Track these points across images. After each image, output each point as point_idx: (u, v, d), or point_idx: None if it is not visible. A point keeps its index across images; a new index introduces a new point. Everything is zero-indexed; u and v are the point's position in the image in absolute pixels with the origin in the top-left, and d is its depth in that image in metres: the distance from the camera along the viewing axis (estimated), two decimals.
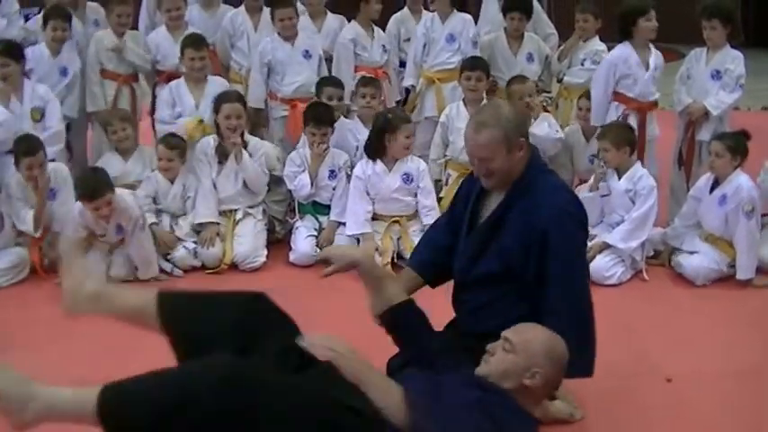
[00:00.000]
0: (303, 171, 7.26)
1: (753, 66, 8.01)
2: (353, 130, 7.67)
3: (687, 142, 7.73)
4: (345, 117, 7.85)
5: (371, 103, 7.65)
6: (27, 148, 6.66)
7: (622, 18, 7.51)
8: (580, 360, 4.31)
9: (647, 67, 7.48)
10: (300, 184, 7.22)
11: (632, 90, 7.49)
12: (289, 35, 8.01)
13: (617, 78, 7.51)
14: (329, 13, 8.67)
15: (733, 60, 7.58)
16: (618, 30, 7.55)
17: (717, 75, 7.58)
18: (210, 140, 7.22)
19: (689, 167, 7.75)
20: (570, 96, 8.47)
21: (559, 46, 8.77)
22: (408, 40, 8.67)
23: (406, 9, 8.86)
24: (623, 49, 7.53)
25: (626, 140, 6.99)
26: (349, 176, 7.39)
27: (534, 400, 4.07)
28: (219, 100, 7.17)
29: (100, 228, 6.62)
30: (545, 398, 4.29)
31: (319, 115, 7.33)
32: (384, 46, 8.49)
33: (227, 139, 7.07)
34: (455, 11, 8.37)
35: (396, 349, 4.91)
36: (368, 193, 7.11)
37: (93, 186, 6.49)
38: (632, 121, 7.42)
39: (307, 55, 8.09)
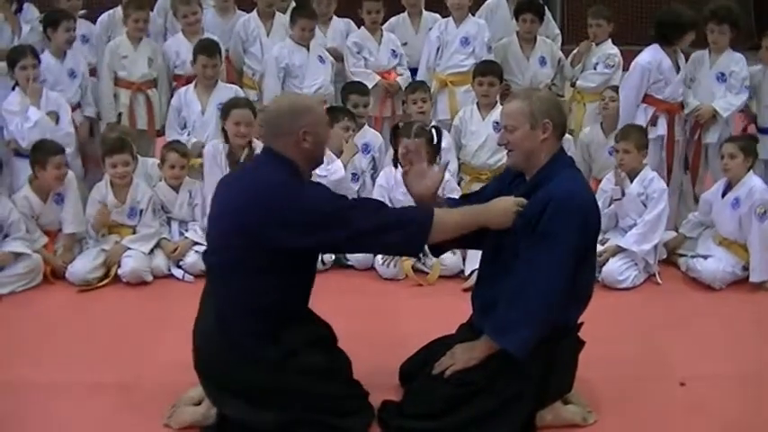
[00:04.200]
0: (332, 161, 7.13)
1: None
2: None
3: (694, 145, 7.74)
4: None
5: (423, 107, 7.61)
6: (54, 148, 6.78)
7: (672, 25, 7.36)
8: (512, 333, 4.31)
9: (678, 70, 7.46)
10: (334, 168, 7.03)
11: (662, 92, 7.42)
12: (305, 43, 8.07)
13: (650, 83, 7.42)
14: (335, 18, 8.77)
15: (737, 63, 7.64)
16: (660, 35, 7.41)
17: (722, 77, 7.64)
18: (219, 145, 7.16)
19: (695, 171, 7.76)
20: (583, 100, 8.46)
21: (569, 49, 8.77)
22: (405, 44, 8.67)
23: (403, 14, 8.88)
24: (655, 54, 7.39)
25: (645, 144, 7.01)
26: (373, 180, 7.45)
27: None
28: (229, 106, 7.13)
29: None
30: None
31: (348, 112, 7.42)
32: (393, 50, 8.50)
33: (235, 144, 7.03)
34: (470, 15, 8.40)
35: (406, 354, 4.94)
36: (391, 202, 6.94)
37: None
38: (661, 123, 7.38)
39: (322, 60, 8.16)
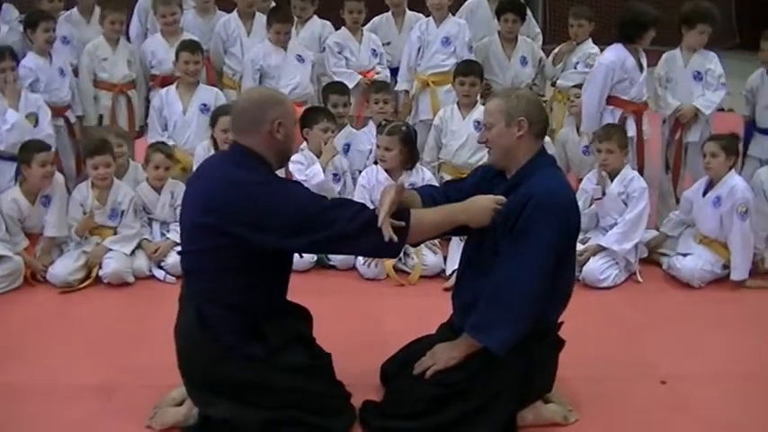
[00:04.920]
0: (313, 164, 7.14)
1: (749, 69, 8.04)
2: (368, 134, 7.65)
3: (675, 145, 7.77)
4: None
5: (384, 108, 7.65)
6: (40, 145, 6.75)
7: (632, 24, 7.39)
8: (493, 331, 4.31)
9: (642, 69, 7.48)
10: (313, 172, 7.02)
11: (628, 93, 7.45)
12: (281, 45, 8.09)
13: (614, 83, 7.43)
14: (314, 18, 8.79)
15: (712, 61, 7.74)
16: (622, 34, 7.42)
17: (698, 76, 7.70)
18: (211, 149, 7.17)
19: (677, 171, 7.80)
20: (564, 99, 8.47)
21: (550, 49, 8.79)
22: (388, 43, 8.72)
23: (387, 13, 8.91)
24: (619, 53, 7.41)
25: (626, 143, 7.04)
26: (355, 180, 7.43)
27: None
28: (217, 114, 7.12)
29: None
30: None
31: (328, 113, 7.40)
32: (374, 50, 8.53)
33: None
34: (450, 15, 8.40)
35: (387, 354, 4.94)
36: (372, 203, 6.96)
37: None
38: (630, 124, 7.41)
39: (300, 59, 8.16)
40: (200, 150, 7.34)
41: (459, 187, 4.78)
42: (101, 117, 8.00)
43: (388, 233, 4.17)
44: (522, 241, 4.30)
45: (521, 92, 4.72)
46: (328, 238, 4.21)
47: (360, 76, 8.34)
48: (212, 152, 7.05)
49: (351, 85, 8.11)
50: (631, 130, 7.37)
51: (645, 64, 7.49)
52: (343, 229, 4.20)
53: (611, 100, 7.44)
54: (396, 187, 4.33)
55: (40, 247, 6.82)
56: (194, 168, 7.08)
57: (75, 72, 8.03)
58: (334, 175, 7.35)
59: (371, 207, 4.43)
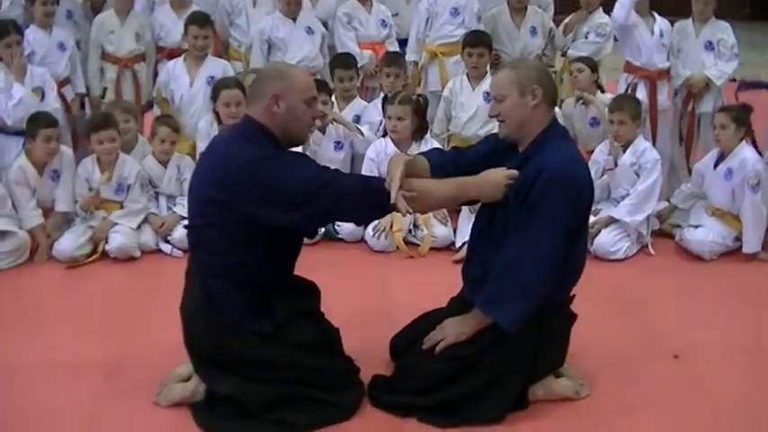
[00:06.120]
0: None
1: (760, 40, 7.96)
2: (378, 106, 7.58)
3: (687, 117, 7.72)
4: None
5: (395, 82, 7.60)
6: (47, 120, 6.71)
7: None
8: (503, 307, 4.26)
9: (653, 34, 7.45)
10: None
11: (638, 58, 7.42)
12: (291, 16, 8.01)
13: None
14: None
15: (724, 31, 7.73)
16: None
17: (710, 45, 7.70)
18: (214, 123, 7.10)
19: (689, 143, 7.75)
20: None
21: (562, 19, 8.71)
22: (396, 14, 8.66)
23: None
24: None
25: (639, 114, 6.98)
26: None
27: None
28: (218, 87, 7.02)
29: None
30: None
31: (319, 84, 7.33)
32: (384, 20, 8.46)
33: (227, 125, 6.92)
34: None
35: (397, 328, 4.89)
36: (380, 175, 6.89)
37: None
38: (641, 91, 7.36)
39: (309, 31, 8.09)
40: (202, 125, 7.30)
41: (471, 158, 4.69)
42: (104, 90, 7.93)
43: (404, 207, 4.12)
44: (532, 216, 4.23)
45: (528, 62, 4.71)
46: (328, 212, 4.24)
47: (369, 52, 8.30)
48: (215, 126, 7.03)
49: (361, 63, 8.07)
50: (641, 96, 7.33)
51: (659, 29, 7.46)
52: (342, 203, 4.19)
53: (624, 66, 7.47)
54: (404, 159, 4.27)
55: (51, 221, 6.78)
56: (198, 142, 7.10)
57: (78, 46, 7.97)
58: (337, 143, 7.33)
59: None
